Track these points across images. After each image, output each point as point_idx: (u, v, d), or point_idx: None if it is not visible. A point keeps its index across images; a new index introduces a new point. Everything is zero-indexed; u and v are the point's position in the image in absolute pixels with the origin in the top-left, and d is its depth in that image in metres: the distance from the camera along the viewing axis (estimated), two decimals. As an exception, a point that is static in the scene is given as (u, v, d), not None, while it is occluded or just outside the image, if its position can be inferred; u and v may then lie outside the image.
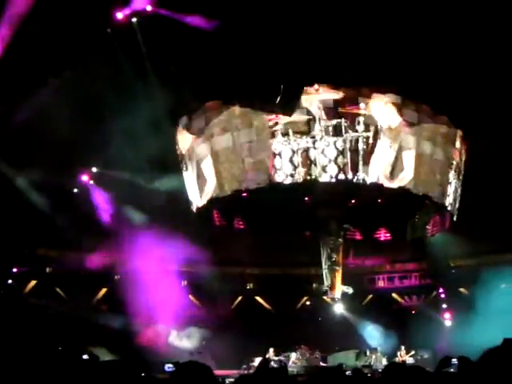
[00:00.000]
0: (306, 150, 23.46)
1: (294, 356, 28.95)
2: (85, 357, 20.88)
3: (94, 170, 29.19)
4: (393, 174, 23.55)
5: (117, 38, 23.18)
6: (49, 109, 22.78)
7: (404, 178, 23.70)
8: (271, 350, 28.83)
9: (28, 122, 22.96)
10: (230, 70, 22.11)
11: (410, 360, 28.27)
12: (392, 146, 23.45)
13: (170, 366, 23.12)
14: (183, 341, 30.99)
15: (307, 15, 21.07)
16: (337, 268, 27.35)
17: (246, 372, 25.70)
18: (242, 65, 21.86)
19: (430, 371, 7.01)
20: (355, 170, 23.41)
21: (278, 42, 21.37)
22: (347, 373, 7.88)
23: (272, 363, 21.78)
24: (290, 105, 22.94)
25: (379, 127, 23.31)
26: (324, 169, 23.42)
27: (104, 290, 32.52)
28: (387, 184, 23.63)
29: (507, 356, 3.96)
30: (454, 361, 7.35)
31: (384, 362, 28.08)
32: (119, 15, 22.67)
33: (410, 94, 23.57)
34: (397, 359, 28.30)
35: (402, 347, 29.38)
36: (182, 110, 25.30)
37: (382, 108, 23.32)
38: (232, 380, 22.20)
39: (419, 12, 21.06)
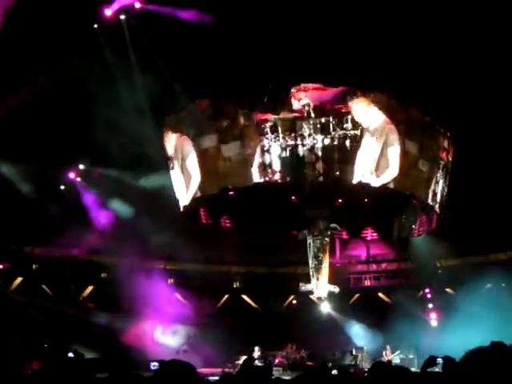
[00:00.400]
0: (295, 147, 23.46)
1: (279, 354, 28.94)
2: (70, 355, 20.93)
3: (81, 167, 29.13)
4: (378, 171, 23.55)
5: (104, 34, 23.13)
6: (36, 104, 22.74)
7: (389, 175, 23.72)
8: (256, 348, 28.80)
9: (15, 116, 22.94)
10: (219, 69, 22.13)
11: (395, 359, 28.31)
12: (377, 144, 23.47)
13: (155, 364, 23.08)
14: (169, 338, 30.96)
15: (297, 14, 21.10)
16: (323, 267, 27.38)
17: (231, 370, 25.71)
18: (230, 63, 21.89)
19: (416, 371, 7.04)
20: (342, 168, 23.46)
21: (267, 40, 21.39)
22: (333, 372, 7.87)
23: (257, 362, 21.77)
24: (278, 104, 22.96)
25: (364, 125, 23.33)
26: (312, 166, 23.46)
27: (90, 288, 32.43)
28: (373, 181, 23.64)
29: (492, 358, 3.97)
30: (439, 360, 7.36)
31: (369, 361, 28.13)
32: (107, 12, 22.57)
33: (398, 95, 23.61)
34: (382, 358, 28.31)
35: (388, 347, 29.42)
36: (169, 107, 25.27)
37: (365, 108, 23.35)
38: (217, 378, 22.18)
39: (406, 14, 21.12)
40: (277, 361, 28.34)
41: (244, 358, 26.35)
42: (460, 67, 22.74)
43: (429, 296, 32.89)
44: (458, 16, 21.09)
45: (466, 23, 21.33)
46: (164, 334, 31.02)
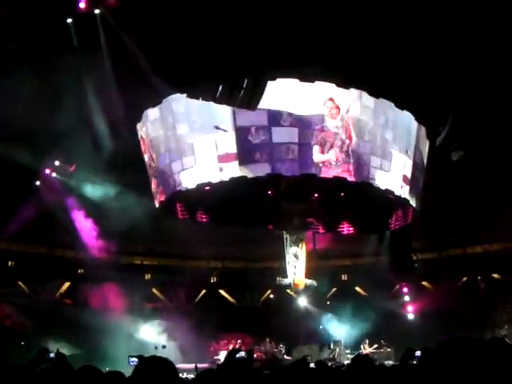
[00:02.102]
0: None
1: (257, 349, 28.95)
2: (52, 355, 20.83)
3: (57, 163, 28.94)
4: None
5: (78, 28, 22.86)
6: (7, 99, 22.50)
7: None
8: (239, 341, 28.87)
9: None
10: (193, 61, 21.93)
11: (373, 353, 28.45)
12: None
13: (134, 359, 22.99)
14: (148, 334, 30.89)
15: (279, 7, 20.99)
16: (300, 261, 27.44)
17: (211, 365, 25.71)
18: (205, 55, 21.71)
19: (394, 364, 7.08)
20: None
21: (243, 32, 21.25)
22: (311, 365, 7.87)
23: (242, 353, 21.84)
24: (253, 99, 22.85)
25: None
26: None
27: (67, 284, 32.29)
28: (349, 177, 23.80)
29: (468, 348, 4.01)
30: (418, 353, 7.41)
31: (348, 354, 28.26)
32: (81, 5, 22.26)
33: (375, 88, 23.66)
34: (360, 352, 28.41)
35: (366, 340, 29.57)
36: (144, 102, 25.19)
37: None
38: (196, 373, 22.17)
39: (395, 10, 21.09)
40: (255, 355, 28.35)
41: (223, 353, 26.53)
42: (438, 60, 22.76)
43: (405, 289, 33.00)
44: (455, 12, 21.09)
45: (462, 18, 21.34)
46: (143, 330, 30.92)
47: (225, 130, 23.41)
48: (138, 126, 26.19)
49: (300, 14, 20.70)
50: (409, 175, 25.58)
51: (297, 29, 20.93)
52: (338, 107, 23.65)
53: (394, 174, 24.93)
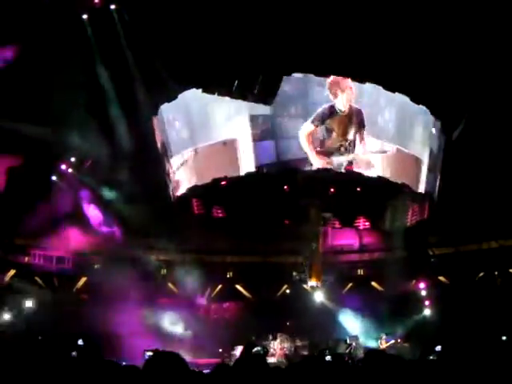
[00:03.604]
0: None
1: (273, 344, 28.92)
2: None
3: (73, 159, 29.02)
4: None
5: (93, 24, 22.91)
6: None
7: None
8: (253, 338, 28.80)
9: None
10: (210, 56, 21.91)
11: (389, 348, 28.37)
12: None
13: (150, 353, 23.01)
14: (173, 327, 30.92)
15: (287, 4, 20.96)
16: (317, 256, 27.41)
17: (226, 360, 25.74)
18: (222, 51, 21.69)
19: (411, 359, 7.05)
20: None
21: (259, 29, 21.23)
22: (327, 358, 7.86)
23: (257, 348, 21.82)
24: (269, 94, 22.83)
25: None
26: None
27: (84, 279, 32.33)
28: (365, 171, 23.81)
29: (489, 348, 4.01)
30: (438, 348, 7.40)
31: (364, 350, 28.17)
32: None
33: (390, 84, 23.57)
34: (377, 347, 28.34)
35: (383, 335, 29.49)
36: (160, 97, 25.24)
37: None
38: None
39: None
40: (271, 350, 28.33)
41: (239, 348, 26.54)
42: (451, 55, 22.64)
43: (422, 285, 32.86)
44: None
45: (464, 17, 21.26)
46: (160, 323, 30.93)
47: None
48: (155, 121, 26.24)
49: (314, 11, 20.69)
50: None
51: (311, 25, 20.91)
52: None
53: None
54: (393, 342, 29.38)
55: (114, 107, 25.49)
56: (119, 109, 25.55)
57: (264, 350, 22.16)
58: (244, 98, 22.39)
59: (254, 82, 21.35)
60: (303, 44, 21.22)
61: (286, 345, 29.27)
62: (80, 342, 21.33)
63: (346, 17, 20.94)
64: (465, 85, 23.86)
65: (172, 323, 30.86)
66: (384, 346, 28.81)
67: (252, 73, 21.40)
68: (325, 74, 23.17)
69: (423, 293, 32.82)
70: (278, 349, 28.77)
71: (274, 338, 29.38)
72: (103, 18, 22.64)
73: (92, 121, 25.12)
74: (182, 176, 25.59)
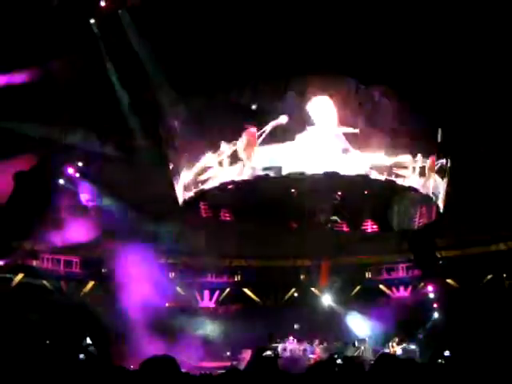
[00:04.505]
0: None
1: (281, 347, 28.89)
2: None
3: (80, 164, 29.12)
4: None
5: (101, 29, 22.98)
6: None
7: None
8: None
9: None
10: (217, 63, 22.01)
11: (399, 351, 28.30)
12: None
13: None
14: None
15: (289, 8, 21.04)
16: (324, 260, 27.41)
17: (234, 363, 25.75)
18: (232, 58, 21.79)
19: (422, 362, 7.05)
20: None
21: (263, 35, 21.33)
22: (338, 361, 7.83)
23: (268, 352, 21.87)
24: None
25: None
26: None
27: (91, 283, 32.41)
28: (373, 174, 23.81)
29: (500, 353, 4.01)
30: (447, 353, 7.40)
31: (372, 353, 28.12)
32: (102, 3, 22.32)
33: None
34: (387, 350, 28.28)
35: (396, 339, 29.42)
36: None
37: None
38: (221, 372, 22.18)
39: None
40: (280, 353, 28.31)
41: (246, 351, 26.58)
42: (455, 64, 22.71)
43: (430, 288, 32.84)
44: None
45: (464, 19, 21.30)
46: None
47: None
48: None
49: (315, 20, 20.82)
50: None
51: (313, 34, 21.04)
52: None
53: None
54: (403, 346, 29.30)
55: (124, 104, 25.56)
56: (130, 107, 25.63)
57: (275, 354, 22.16)
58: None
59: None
60: (306, 54, 21.44)
61: (294, 348, 29.24)
62: (88, 340, 21.47)
63: (350, 27, 21.10)
64: (472, 88, 23.93)
65: (180, 327, 30.87)
66: (394, 349, 28.75)
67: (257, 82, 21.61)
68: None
69: (431, 296, 32.79)
70: (286, 352, 28.74)
71: (283, 342, 29.37)
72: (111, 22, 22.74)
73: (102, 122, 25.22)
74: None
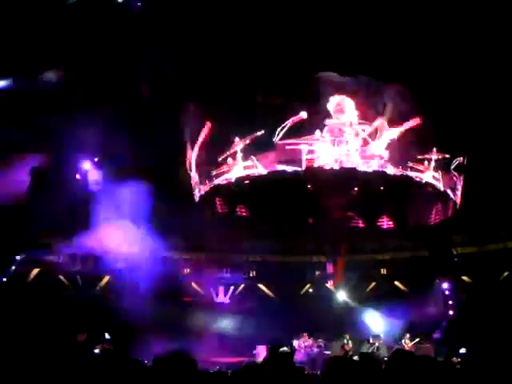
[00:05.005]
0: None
1: (296, 344, 28.85)
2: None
3: (96, 159, 29.22)
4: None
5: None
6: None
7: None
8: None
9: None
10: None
11: (412, 348, 28.21)
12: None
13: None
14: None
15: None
16: (340, 255, 27.37)
17: (250, 359, 25.74)
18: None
19: (438, 360, 7.03)
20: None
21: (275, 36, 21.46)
22: (354, 358, 7.82)
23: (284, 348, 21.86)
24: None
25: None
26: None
27: (107, 278, 32.50)
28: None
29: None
30: (463, 350, 7.38)
31: (387, 349, 28.04)
32: None
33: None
34: (401, 346, 28.17)
35: (407, 335, 29.31)
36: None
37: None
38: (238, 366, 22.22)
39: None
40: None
41: (261, 347, 26.61)
42: (465, 65, 22.70)
43: (445, 285, 32.73)
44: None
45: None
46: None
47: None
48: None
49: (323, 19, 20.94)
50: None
51: (321, 33, 21.16)
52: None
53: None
54: (416, 341, 29.20)
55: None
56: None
57: (291, 349, 22.14)
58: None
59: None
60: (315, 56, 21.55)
61: (308, 344, 29.21)
62: (107, 335, 21.57)
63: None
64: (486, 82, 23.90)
65: (196, 322, 30.92)
66: (408, 345, 28.65)
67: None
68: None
69: (446, 292, 32.68)
70: (301, 348, 28.71)
71: (298, 337, 29.34)
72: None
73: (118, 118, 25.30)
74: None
